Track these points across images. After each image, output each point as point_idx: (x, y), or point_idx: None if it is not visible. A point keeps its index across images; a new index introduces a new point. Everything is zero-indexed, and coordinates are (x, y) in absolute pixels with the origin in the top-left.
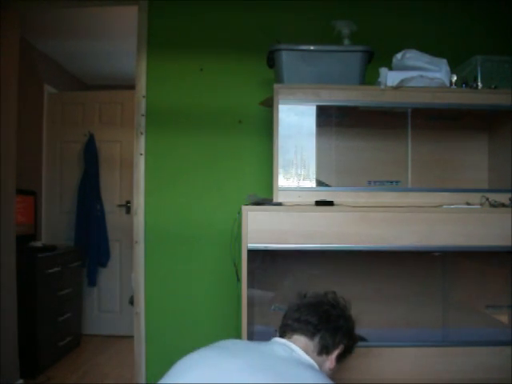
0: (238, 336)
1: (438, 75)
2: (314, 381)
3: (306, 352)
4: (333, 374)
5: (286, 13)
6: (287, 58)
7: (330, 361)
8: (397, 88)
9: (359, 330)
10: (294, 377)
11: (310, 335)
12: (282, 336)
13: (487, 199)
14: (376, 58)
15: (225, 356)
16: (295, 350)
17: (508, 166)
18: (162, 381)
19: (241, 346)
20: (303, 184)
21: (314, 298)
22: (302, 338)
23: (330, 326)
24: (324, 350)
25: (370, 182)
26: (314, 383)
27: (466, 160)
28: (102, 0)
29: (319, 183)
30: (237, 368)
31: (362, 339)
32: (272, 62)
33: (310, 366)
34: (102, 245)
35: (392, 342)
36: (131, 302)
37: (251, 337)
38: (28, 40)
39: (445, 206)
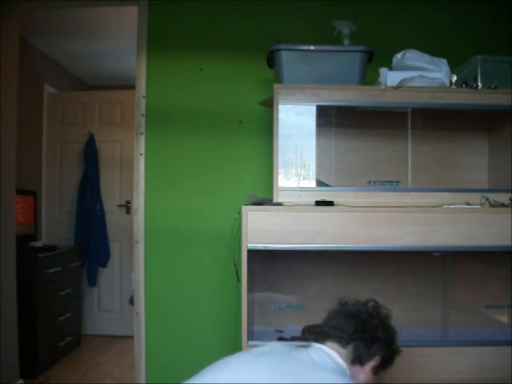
0: (238, 334)
1: (437, 75)
2: (333, 381)
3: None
4: None
5: (286, 13)
6: (287, 58)
7: (364, 373)
8: (397, 88)
9: None
10: (313, 379)
11: (343, 343)
12: (316, 340)
13: (487, 199)
14: (376, 58)
15: (251, 360)
16: (330, 354)
17: (508, 165)
18: (189, 381)
19: (276, 352)
20: (303, 184)
21: (354, 307)
22: (334, 345)
23: (365, 337)
24: (357, 360)
25: (369, 182)
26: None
27: (466, 160)
28: (102, 0)
29: (319, 183)
30: (257, 371)
31: None
32: (272, 61)
33: (340, 372)
34: (102, 245)
35: None
36: (131, 301)
37: (251, 337)
38: (28, 40)
39: (445, 206)
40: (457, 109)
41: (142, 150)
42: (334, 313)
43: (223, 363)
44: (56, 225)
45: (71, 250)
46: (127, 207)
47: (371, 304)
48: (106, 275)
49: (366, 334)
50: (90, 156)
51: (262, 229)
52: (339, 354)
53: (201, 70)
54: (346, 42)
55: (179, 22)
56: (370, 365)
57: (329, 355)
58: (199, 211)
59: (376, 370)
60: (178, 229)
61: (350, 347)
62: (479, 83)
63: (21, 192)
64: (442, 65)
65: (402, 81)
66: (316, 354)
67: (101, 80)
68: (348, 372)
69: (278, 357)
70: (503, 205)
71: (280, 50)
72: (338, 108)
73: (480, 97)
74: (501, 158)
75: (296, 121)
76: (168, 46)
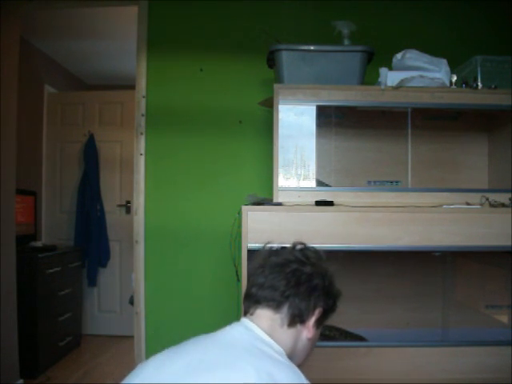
0: None
1: (437, 75)
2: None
3: (273, 330)
4: (313, 345)
5: (285, 13)
6: (287, 58)
7: (308, 329)
8: (397, 88)
9: (359, 331)
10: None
11: (275, 307)
12: (245, 311)
13: (487, 199)
14: (376, 58)
15: (172, 356)
16: (254, 330)
17: (508, 166)
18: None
19: (198, 340)
20: (303, 184)
21: (279, 256)
22: (266, 313)
23: (301, 290)
24: (297, 320)
25: (369, 182)
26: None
27: (466, 160)
28: (102, 0)
29: (319, 183)
30: (174, 370)
31: (362, 339)
32: (272, 62)
33: (265, 354)
34: (102, 245)
35: (392, 341)
36: (131, 301)
37: None
38: (28, 40)
39: (445, 206)
40: (457, 109)
41: (142, 150)
42: (259, 268)
43: (145, 365)
44: (56, 225)
45: (71, 250)
46: (127, 207)
47: (298, 247)
48: (106, 275)
49: (300, 286)
50: (90, 156)
51: (262, 229)
52: (273, 321)
53: (201, 70)
54: (346, 41)
55: (179, 22)
56: (312, 320)
57: (253, 331)
58: (199, 211)
59: (319, 323)
60: (178, 229)
61: (285, 308)
62: (479, 83)
63: (21, 192)
64: (442, 65)
65: (402, 81)
66: (238, 332)
67: (101, 80)
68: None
69: (198, 347)
70: (503, 205)
71: (280, 49)
72: (338, 108)
73: (480, 97)
74: (501, 158)
75: (296, 121)
76: (168, 46)
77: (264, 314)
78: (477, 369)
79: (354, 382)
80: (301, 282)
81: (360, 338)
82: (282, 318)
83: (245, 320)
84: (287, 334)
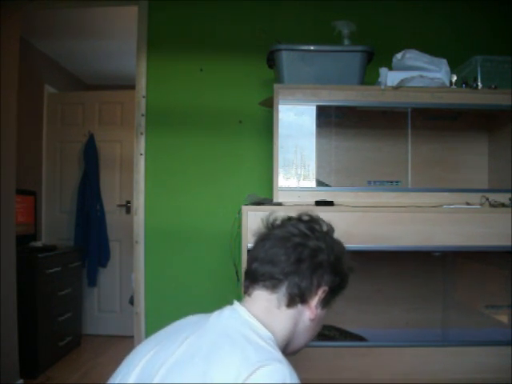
0: None
1: (438, 75)
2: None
3: (268, 312)
4: (318, 326)
5: (286, 13)
6: (287, 58)
7: (310, 310)
8: (397, 88)
9: (359, 331)
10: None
11: (272, 287)
12: (244, 291)
13: (487, 199)
14: (376, 58)
15: (157, 350)
16: (242, 315)
17: (508, 166)
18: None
19: (185, 327)
20: (303, 184)
21: (283, 229)
22: (262, 294)
23: (302, 267)
24: (297, 300)
25: (370, 182)
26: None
27: (466, 160)
28: (102, 0)
29: (319, 183)
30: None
31: (362, 339)
32: (272, 62)
33: (249, 341)
34: (102, 245)
35: (392, 342)
36: (131, 301)
37: None
38: (28, 40)
39: (445, 206)
40: (457, 109)
41: (142, 150)
42: (261, 241)
43: (129, 361)
44: (56, 225)
45: (71, 250)
46: (127, 207)
47: (305, 219)
48: (106, 275)
49: (301, 263)
50: (90, 156)
51: None
52: (269, 302)
53: (201, 70)
54: (346, 41)
55: (179, 22)
56: (315, 300)
57: (241, 316)
58: (199, 211)
59: (326, 303)
60: (178, 229)
61: (283, 287)
62: (479, 83)
63: (21, 192)
64: (442, 65)
65: (402, 81)
66: (226, 319)
67: (101, 80)
68: (276, 334)
69: (179, 338)
70: (503, 205)
71: (280, 50)
72: (338, 108)
73: (480, 97)
74: (501, 158)
75: (296, 121)
76: (168, 46)
77: (260, 296)
78: (477, 369)
79: (353, 382)
80: (302, 259)
81: (360, 338)
82: (278, 298)
83: (236, 304)
84: (285, 315)
